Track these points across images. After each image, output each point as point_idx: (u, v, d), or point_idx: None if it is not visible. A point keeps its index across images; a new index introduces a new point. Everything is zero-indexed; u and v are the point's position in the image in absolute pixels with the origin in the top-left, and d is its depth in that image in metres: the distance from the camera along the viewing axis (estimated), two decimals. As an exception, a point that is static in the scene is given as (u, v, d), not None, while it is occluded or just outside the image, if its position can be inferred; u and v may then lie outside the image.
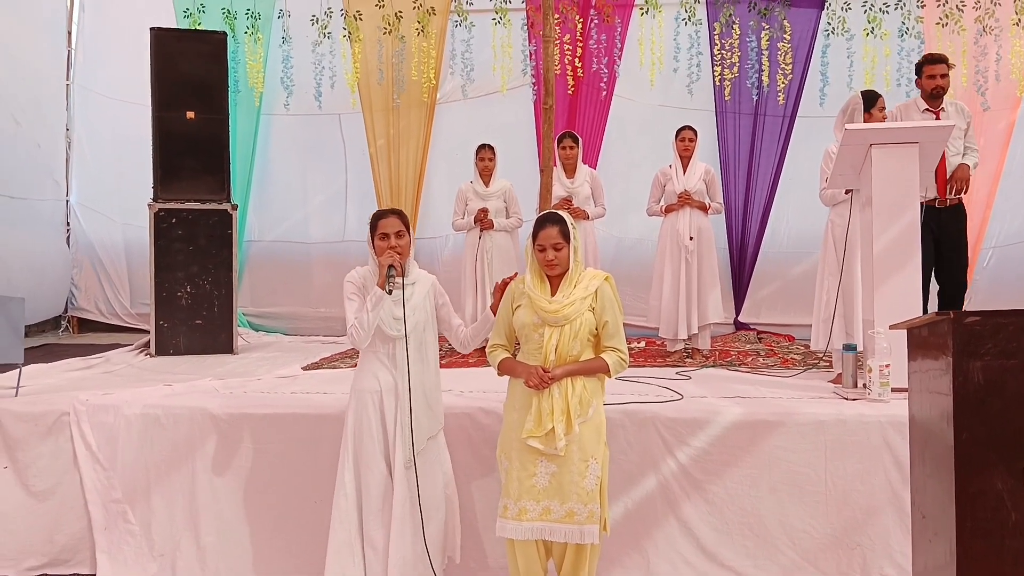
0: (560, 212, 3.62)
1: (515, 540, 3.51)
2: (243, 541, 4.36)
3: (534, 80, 8.12)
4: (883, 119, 5.13)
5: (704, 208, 6.43)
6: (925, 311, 5.08)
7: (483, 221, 6.76)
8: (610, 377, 3.61)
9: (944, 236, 5.64)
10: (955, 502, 2.46)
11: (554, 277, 3.57)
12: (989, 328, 2.46)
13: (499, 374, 3.69)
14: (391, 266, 3.60)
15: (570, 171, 6.80)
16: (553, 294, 3.54)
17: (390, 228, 3.69)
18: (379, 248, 3.69)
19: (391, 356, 3.74)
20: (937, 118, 5.20)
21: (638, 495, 4.24)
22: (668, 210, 6.46)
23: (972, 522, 2.45)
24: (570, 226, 3.53)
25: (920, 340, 2.72)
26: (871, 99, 5.17)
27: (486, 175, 6.86)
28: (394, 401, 3.71)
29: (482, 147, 6.89)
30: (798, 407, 4.38)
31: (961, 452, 2.46)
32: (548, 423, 3.45)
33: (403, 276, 3.67)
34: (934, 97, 5.38)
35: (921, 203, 5.15)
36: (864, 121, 5.07)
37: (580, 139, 6.92)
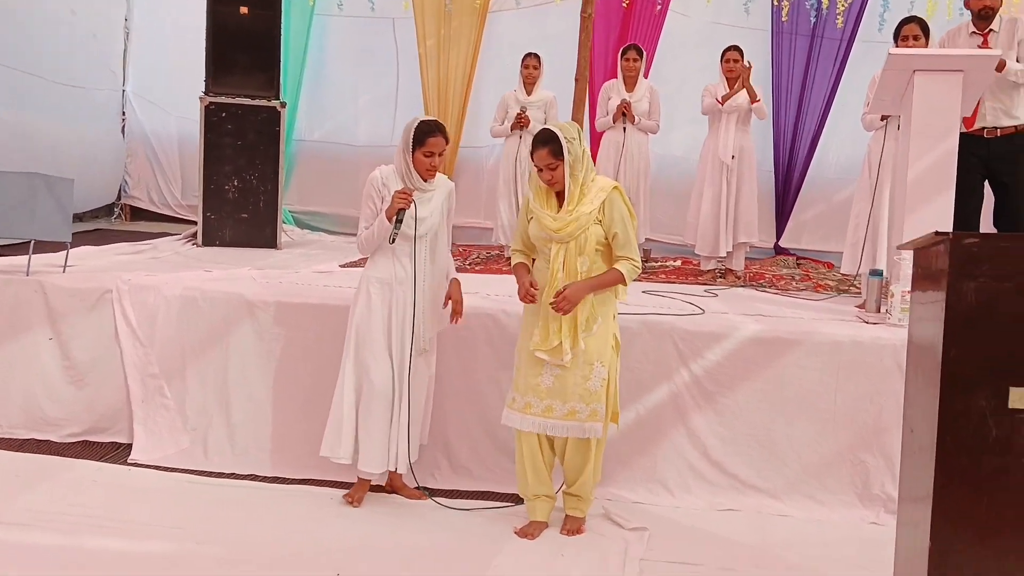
0: (553, 129, 3.55)
1: (520, 431, 3.66)
2: (269, 422, 4.55)
3: (589, -10, 8.01)
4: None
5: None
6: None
7: (522, 118, 6.74)
8: (625, 286, 3.67)
9: (1001, 171, 5.02)
10: (938, 417, 2.52)
11: (560, 192, 3.61)
12: (987, 250, 2.47)
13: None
14: (402, 209, 3.68)
15: (631, 84, 6.76)
16: (560, 208, 3.59)
17: (437, 148, 3.73)
18: (418, 162, 3.73)
19: (404, 253, 3.84)
20: (985, 40, 5.00)
21: (650, 402, 4.34)
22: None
23: (953, 437, 2.51)
24: (564, 141, 3.48)
25: (923, 262, 2.75)
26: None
27: (530, 83, 6.85)
28: (402, 295, 3.84)
29: (528, 55, 6.88)
30: (816, 327, 4.42)
31: (948, 370, 2.50)
32: (555, 339, 3.55)
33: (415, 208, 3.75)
34: (983, 18, 4.96)
35: (964, 133, 5.03)
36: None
37: (644, 52, 6.86)
